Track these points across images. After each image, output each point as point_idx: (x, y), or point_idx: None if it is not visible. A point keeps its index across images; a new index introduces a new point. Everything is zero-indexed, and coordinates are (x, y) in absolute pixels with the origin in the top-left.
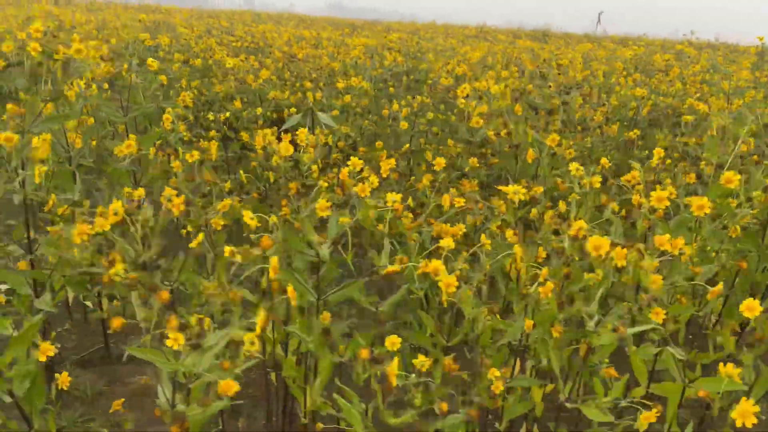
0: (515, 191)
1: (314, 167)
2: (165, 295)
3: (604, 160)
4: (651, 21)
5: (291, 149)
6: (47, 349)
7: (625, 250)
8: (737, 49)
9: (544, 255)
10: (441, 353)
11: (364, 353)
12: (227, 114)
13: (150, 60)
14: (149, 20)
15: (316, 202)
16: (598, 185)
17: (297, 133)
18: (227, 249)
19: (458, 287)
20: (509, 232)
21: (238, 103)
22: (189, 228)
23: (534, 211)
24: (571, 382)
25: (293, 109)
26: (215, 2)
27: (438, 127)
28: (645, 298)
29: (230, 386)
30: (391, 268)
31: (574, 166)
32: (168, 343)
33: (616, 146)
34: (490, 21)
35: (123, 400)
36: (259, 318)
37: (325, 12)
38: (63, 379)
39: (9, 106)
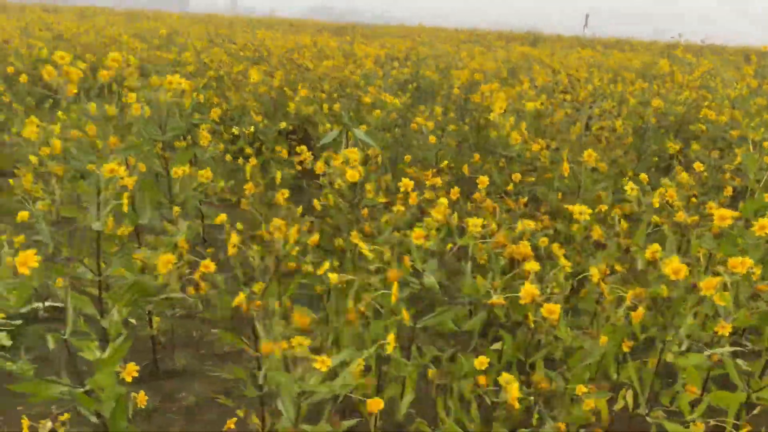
0: (581, 211)
1: (369, 187)
2: (305, 320)
3: (643, 176)
4: (634, 21)
5: (357, 175)
6: (132, 370)
7: (715, 279)
8: (725, 51)
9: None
10: (516, 371)
11: (483, 379)
12: (252, 128)
13: (188, 82)
14: (147, 28)
15: (392, 227)
16: (657, 204)
17: (346, 152)
18: (336, 276)
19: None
20: (557, 249)
21: (259, 117)
22: (257, 251)
23: (598, 229)
24: (644, 395)
25: (328, 126)
26: (198, 6)
27: (454, 138)
28: (702, 312)
29: (378, 404)
30: (495, 300)
31: (629, 186)
32: (316, 365)
33: (638, 157)
34: (473, 23)
35: (236, 419)
36: (390, 338)
37: (308, 14)
38: (141, 398)
39: (112, 138)
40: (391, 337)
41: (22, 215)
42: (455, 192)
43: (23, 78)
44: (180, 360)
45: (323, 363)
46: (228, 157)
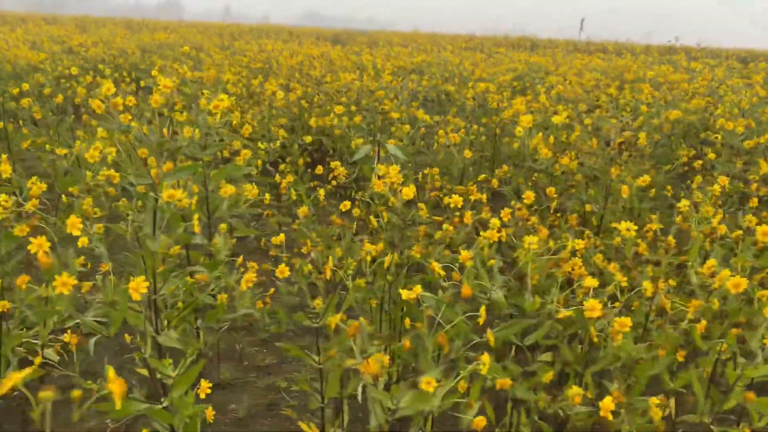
0: (628, 228)
1: (422, 205)
2: (407, 344)
3: (669, 188)
4: (633, 21)
5: (411, 193)
6: (205, 387)
7: None
8: (719, 54)
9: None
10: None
11: (578, 398)
12: (278, 143)
13: (224, 96)
14: (148, 40)
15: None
16: (716, 224)
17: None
18: (407, 293)
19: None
20: (608, 265)
21: (281, 131)
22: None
23: (643, 245)
24: (706, 404)
25: (360, 141)
26: (192, 13)
27: (473, 149)
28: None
29: (481, 423)
30: (565, 313)
31: (682, 203)
32: (423, 386)
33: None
34: (470, 27)
35: None
36: (486, 359)
37: (300, 21)
38: (209, 413)
39: (167, 164)
40: (486, 357)
41: (83, 241)
42: (506, 213)
43: (59, 98)
44: (225, 373)
45: (429, 384)
46: (254, 171)
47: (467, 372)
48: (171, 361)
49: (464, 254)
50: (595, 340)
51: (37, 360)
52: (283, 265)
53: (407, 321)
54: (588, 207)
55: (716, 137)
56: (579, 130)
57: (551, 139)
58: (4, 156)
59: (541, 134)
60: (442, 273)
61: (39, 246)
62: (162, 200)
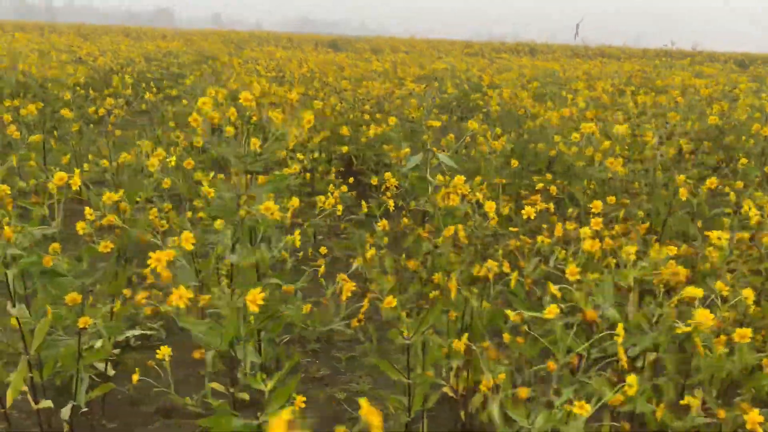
0: (719, 236)
1: (492, 214)
2: (493, 353)
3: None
4: (633, 21)
5: (492, 207)
6: (300, 402)
7: None
8: (716, 57)
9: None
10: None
11: (695, 408)
12: (315, 155)
13: (310, 111)
14: (161, 49)
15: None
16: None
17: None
18: (514, 315)
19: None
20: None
21: (317, 139)
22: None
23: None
24: None
25: (407, 150)
26: (182, 20)
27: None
28: None
29: (626, 426)
30: (683, 329)
31: (752, 212)
32: (576, 410)
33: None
34: (455, 30)
35: None
36: (633, 380)
37: (293, 26)
38: None
39: (261, 178)
40: (632, 379)
41: (168, 254)
42: (597, 222)
43: (102, 111)
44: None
45: (583, 409)
46: (295, 180)
47: (611, 396)
48: (265, 375)
49: (571, 268)
50: (701, 349)
51: (135, 378)
52: (390, 297)
53: (506, 336)
54: (641, 212)
55: (751, 141)
56: (650, 136)
57: (617, 148)
58: (77, 170)
59: (608, 143)
60: (558, 294)
61: (158, 260)
62: (256, 212)
